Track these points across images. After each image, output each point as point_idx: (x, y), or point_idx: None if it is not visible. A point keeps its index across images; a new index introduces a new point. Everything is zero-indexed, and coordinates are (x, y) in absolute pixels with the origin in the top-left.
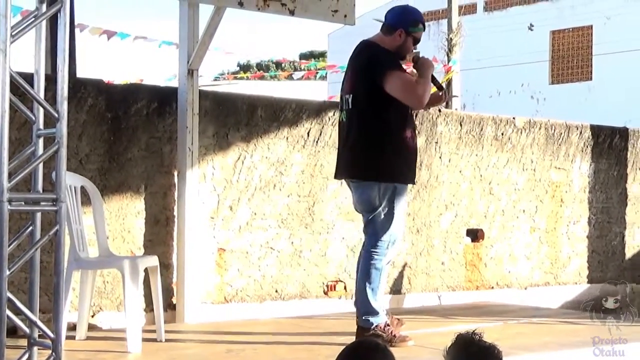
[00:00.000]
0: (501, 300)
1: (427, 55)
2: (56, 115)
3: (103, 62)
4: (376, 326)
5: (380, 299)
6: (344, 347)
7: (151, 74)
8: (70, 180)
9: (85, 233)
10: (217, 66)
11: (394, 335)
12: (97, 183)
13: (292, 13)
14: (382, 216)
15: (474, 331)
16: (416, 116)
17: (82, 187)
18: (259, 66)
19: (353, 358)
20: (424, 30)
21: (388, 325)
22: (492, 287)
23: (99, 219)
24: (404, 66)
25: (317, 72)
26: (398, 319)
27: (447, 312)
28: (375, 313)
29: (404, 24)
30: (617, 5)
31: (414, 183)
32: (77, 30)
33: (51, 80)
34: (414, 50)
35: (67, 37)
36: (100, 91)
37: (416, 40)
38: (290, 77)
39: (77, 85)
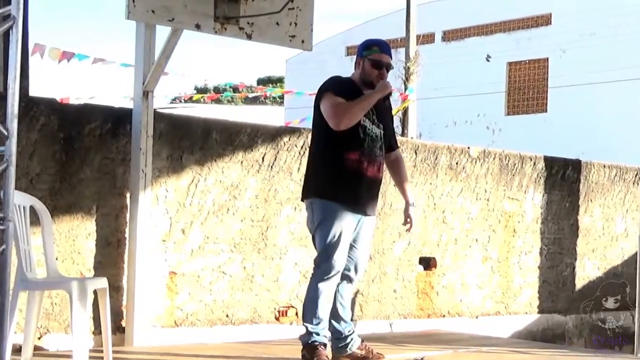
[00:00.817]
0: (452, 329)
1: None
2: (5, 133)
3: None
4: (304, 344)
5: (315, 320)
6: None
7: (108, 94)
8: (19, 200)
9: (34, 253)
10: (174, 89)
11: (313, 359)
12: (48, 203)
13: (249, 37)
14: (316, 237)
15: (422, 358)
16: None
17: (32, 207)
18: (216, 90)
19: None
20: (383, 52)
21: (316, 348)
22: (444, 316)
23: (48, 239)
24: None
25: (272, 97)
26: (365, 352)
27: (398, 339)
28: (306, 331)
29: (359, 51)
30: (573, 39)
31: (355, 208)
32: (37, 55)
33: (2, 97)
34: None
35: (19, 55)
36: (53, 110)
37: (376, 63)
38: (246, 99)
39: (30, 104)
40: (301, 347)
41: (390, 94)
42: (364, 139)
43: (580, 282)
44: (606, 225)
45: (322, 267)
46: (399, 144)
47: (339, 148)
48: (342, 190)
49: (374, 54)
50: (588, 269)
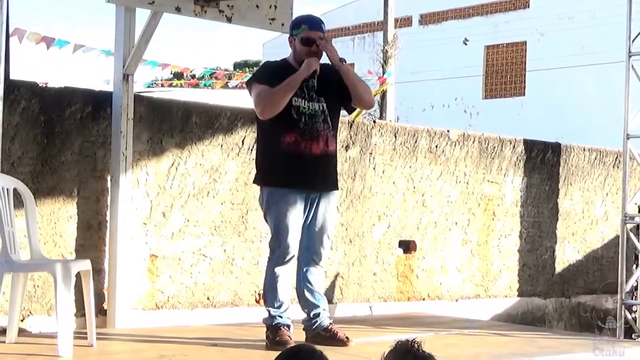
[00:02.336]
0: (432, 312)
1: (361, 67)
2: None
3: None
4: (268, 326)
5: (277, 303)
6: (281, 352)
7: (88, 79)
8: (2, 182)
9: (17, 236)
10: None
11: (274, 340)
12: (30, 186)
13: (229, 20)
14: (267, 222)
15: (413, 339)
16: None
17: (15, 190)
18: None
19: None
20: (312, 29)
21: (279, 329)
22: (424, 299)
23: (31, 221)
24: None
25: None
26: (331, 334)
27: (378, 322)
28: (269, 315)
29: (290, 32)
30: (551, 22)
31: (302, 189)
32: (16, 38)
33: None
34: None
35: (3, 38)
36: (34, 94)
37: (305, 41)
38: (225, 86)
39: (11, 87)
40: (265, 329)
41: (315, 72)
42: (298, 118)
43: (560, 266)
44: (586, 208)
45: (276, 252)
46: (377, 126)
47: (274, 133)
48: (283, 174)
49: (302, 32)
50: (568, 252)
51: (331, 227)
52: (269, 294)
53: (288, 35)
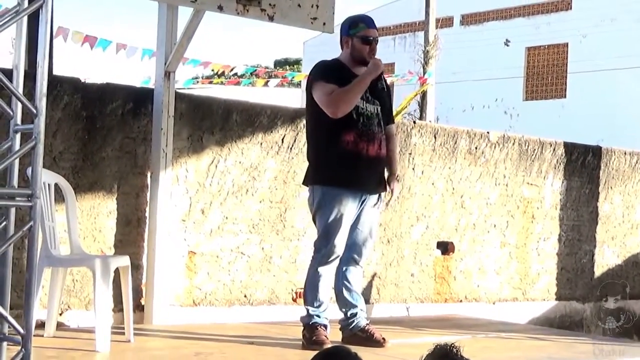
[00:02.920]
0: (469, 314)
1: (401, 67)
2: (34, 111)
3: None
4: (305, 325)
5: (316, 303)
6: (317, 352)
7: (129, 76)
8: (45, 177)
9: (57, 231)
10: (192, 71)
11: (310, 340)
12: (70, 181)
13: (271, 19)
14: (316, 221)
15: (452, 344)
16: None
17: (56, 185)
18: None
19: None
20: (370, 27)
21: (316, 329)
22: (461, 301)
23: (72, 217)
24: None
25: (292, 80)
26: (367, 335)
27: (415, 323)
28: (307, 314)
29: (344, 31)
30: (593, 24)
31: (356, 189)
32: (60, 38)
33: (28, 76)
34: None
35: (49, 34)
36: (76, 89)
37: (365, 39)
38: (265, 85)
39: (54, 83)
40: (302, 327)
41: (382, 72)
42: (357, 119)
43: (599, 270)
44: (626, 212)
45: (322, 251)
46: (417, 127)
47: (333, 131)
48: (340, 173)
49: (361, 31)
50: (607, 256)
51: (376, 228)
52: (310, 293)
53: (341, 35)
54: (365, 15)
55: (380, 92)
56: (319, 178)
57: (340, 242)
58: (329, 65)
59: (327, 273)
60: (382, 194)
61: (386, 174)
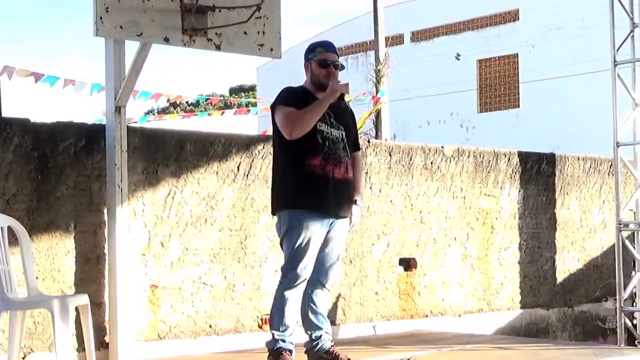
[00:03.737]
0: (436, 328)
1: (356, 87)
2: None
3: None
4: (270, 350)
5: (282, 328)
6: None
7: (81, 113)
8: None
9: (14, 274)
10: (145, 105)
11: None
12: (25, 223)
13: (218, 48)
14: (283, 246)
15: (409, 359)
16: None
17: (9, 228)
18: (189, 103)
19: None
20: (328, 51)
21: (281, 354)
22: (427, 315)
23: (27, 259)
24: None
25: (249, 109)
26: (332, 357)
27: (381, 341)
28: (272, 338)
29: (305, 57)
30: (541, 33)
31: (323, 212)
32: (5, 76)
33: None
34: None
35: None
36: (26, 130)
37: (322, 62)
38: (222, 114)
39: (3, 125)
40: (267, 353)
41: (342, 95)
42: (323, 143)
43: (561, 275)
44: (584, 217)
45: (289, 276)
46: (372, 146)
47: (299, 156)
48: (307, 196)
49: (318, 55)
50: (568, 261)
51: (342, 252)
52: (276, 317)
53: (304, 61)
54: (325, 41)
55: (345, 118)
56: (285, 202)
57: (306, 266)
58: (290, 90)
59: (294, 297)
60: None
61: None
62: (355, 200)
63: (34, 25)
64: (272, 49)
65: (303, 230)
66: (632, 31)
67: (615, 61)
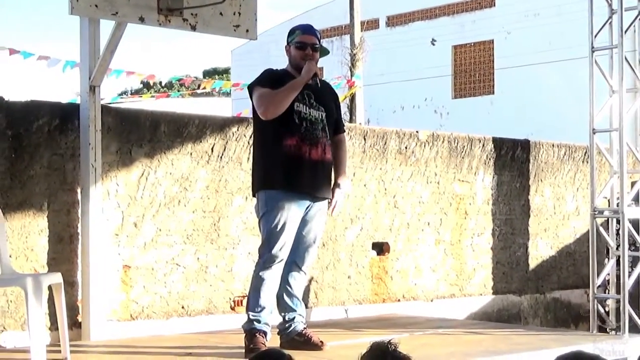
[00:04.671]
0: (408, 313)
1: (330, 71)
2: None
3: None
4: (245, 331)
5: (258, 309)
6: (250, 357)
7: (55, 93)
8: None
9: None
10: (120, 84)
11: (248, 347)
12: None
13: (193, 28)
14: (260, 227)
15: (389, 341)
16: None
17: None
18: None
19: None
20: (305, 33)
21: (254, 336)
22: (399, 300)
23: (0, 237)
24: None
25: (220, 90)
26: (304, 338)
27: (353, 324)
28: (248, 319)
29: (287, 40)
30: (517, 19)
31: (300, 193)
32: None
33: None
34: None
35: None
36: (0, 108)
37: (300, 45)
38: (194, 94)
39: None
40: (240, 335)
41: (315, 74)
42: (299, 123)
43: (533, 262)
44: (557, 204)
45: (265, 256)
46: (346, 130)
47: (276, 137)
48: (283, 177)
49: (296, 37)
50: (541, 248)
51: (320, 235)
52: (252, 298)
53: (285, 44)
54: (305, 24)
55: (327, 100)
56: (262, 183)
57: (283, 247)
58: (269, 72)
59: (270, 278)
60: (329, 200)
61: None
62: (338, 184)
63: (10, 7)
64: (247, 30)
65: (279, 211)
66: (610, 17)
67: (592, 47)
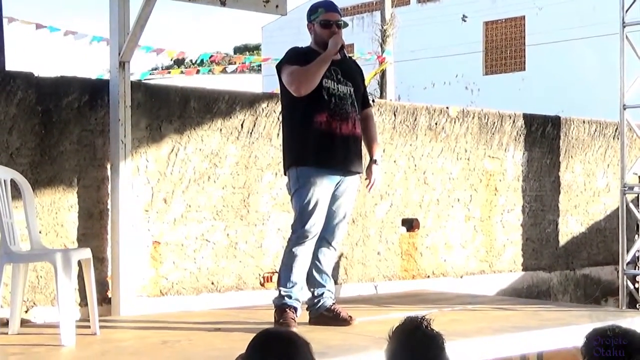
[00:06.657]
0: (437, 289)
1: (361, 47)
2: None
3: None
4: (276, 306)
5: (289, 284)
6: (253, 338)
7: (82, 70)
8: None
9: (17, 227)
10: (151, 61)
11: (278, 322)
12: (29, 177)
13: (223, 4)
14: (292, 203)
15: (423, 317)
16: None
17: (12, 181)
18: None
19: (259, 348)
20: (329, 11)
21: (285, 311)
22: (428, 276)
23: (30, 212)
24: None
25: (250, 65)
26: (333, 314)
27: (382, 301)
28: (279, 294)
29: (307, 18)
30: None
31: (332, 169)
32: (5, 22)
33: None
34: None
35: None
36: (30, 84)
37: (325, 23)
38: (224, 71)
39: (7, 78)
40: (270, 310)
41: (342, 47)
42: (329, 99)
43: (563, 239)
44: (587, 180)
45: (297, 232)
46: (376, 106)
47: (306, 113)
48: (315, 153)
49: (320, 15)
50: (571, 225)
51: (350, 210)
52: (283, 274)
53: (308, 23)
54: (326, 1)
55: (354, 75)
56: (294, 160)
57: (315, 223)
58: (295, 50)
59: (303, 254)
60: (360, 175)
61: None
62: (375, 160)
63: None
64: (277, 6)
65: (311, 187)
66: None
67: (623, 22)
